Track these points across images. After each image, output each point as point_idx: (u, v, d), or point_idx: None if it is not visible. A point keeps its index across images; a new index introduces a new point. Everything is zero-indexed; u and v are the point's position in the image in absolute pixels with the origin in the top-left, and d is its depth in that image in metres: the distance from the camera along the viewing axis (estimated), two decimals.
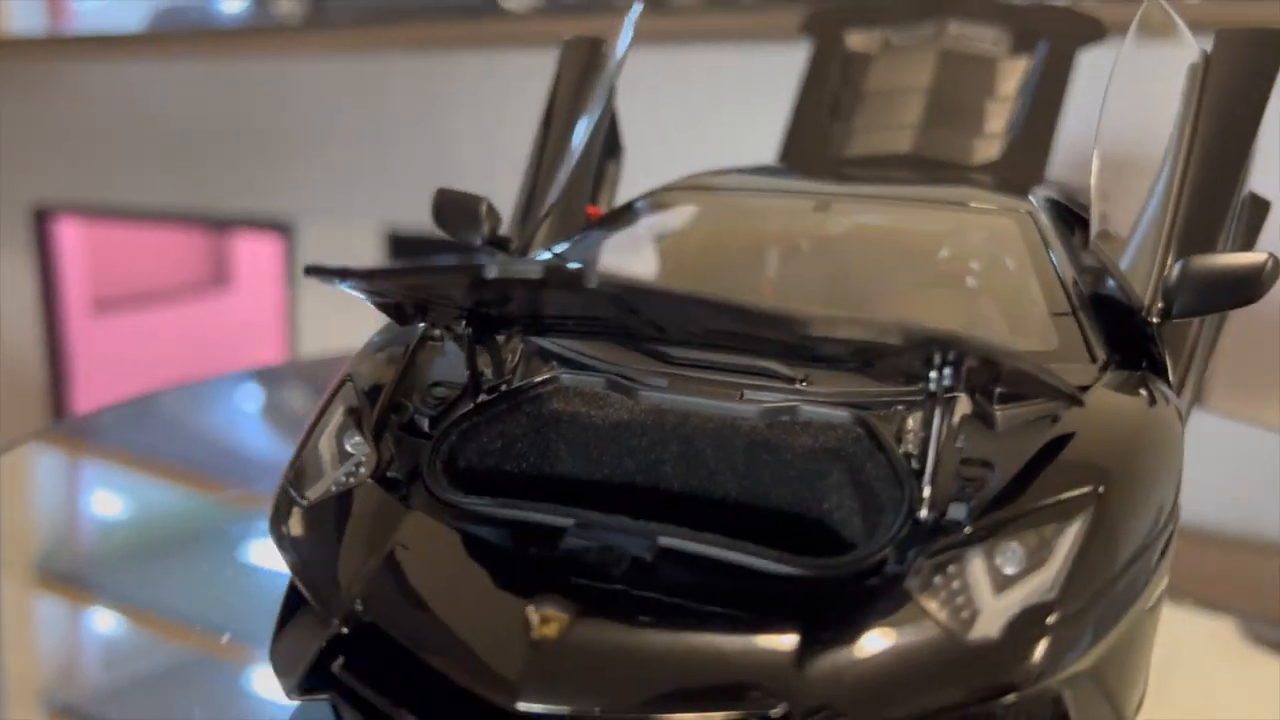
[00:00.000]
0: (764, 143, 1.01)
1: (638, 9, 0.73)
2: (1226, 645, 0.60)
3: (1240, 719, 0.52)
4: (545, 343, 0.54)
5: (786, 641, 0.37)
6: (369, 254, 2.53)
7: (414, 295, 0.45)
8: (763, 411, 0.47)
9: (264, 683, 0.50)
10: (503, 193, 2.66)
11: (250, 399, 1.18)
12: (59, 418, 2.81)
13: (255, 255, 3.22)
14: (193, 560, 0.71)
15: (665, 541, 0.41)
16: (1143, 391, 0.47)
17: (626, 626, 0.39)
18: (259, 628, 0.49)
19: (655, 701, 0.37)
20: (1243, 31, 0.57)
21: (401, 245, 2.51)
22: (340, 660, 0.44)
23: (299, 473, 0.49)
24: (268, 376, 1.28)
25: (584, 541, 0.41)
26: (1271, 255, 0.48)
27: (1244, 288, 0.48)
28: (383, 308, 0.50)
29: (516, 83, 2.31)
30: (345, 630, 0.42)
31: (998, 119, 0.85)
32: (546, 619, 0.38)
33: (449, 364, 0.53)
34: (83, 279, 2.91)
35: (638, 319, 0.44)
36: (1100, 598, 0.38)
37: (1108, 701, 0.39)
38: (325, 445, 0.49)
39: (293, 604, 0.49)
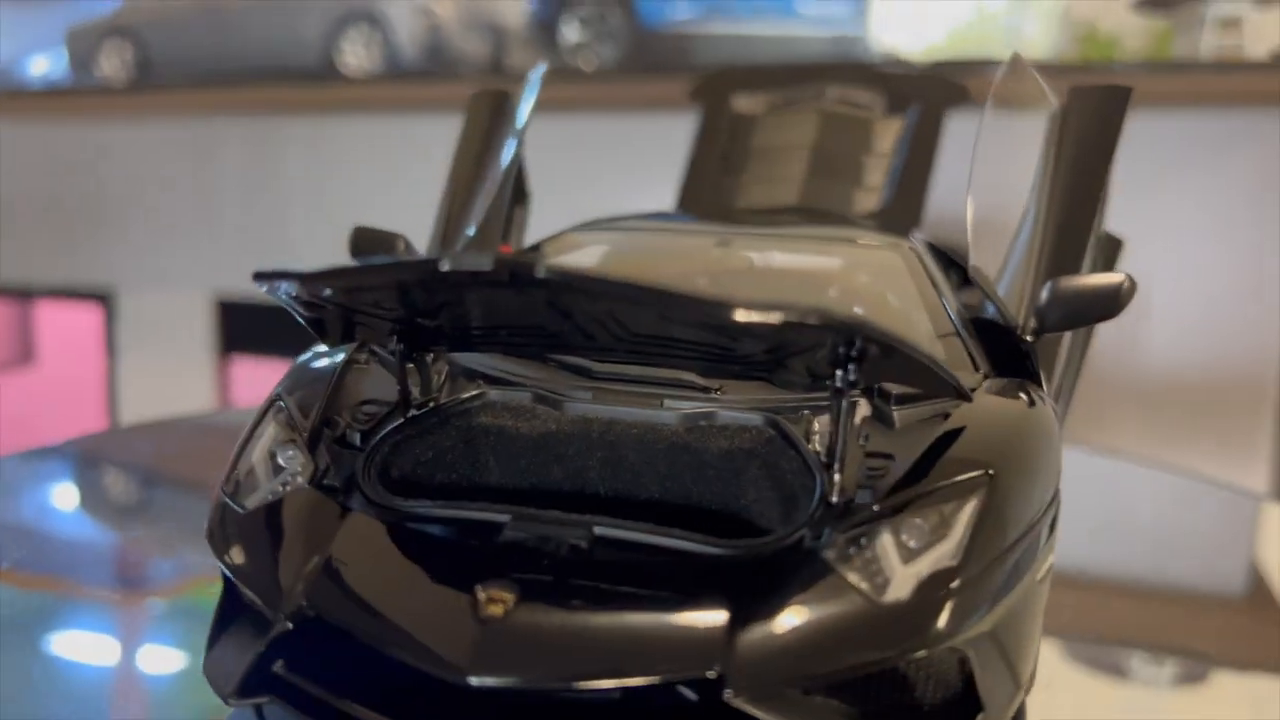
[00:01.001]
0: (656, 201, 1.05)
1: (542, 68, 0.76)
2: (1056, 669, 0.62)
3: None
4: (470, 362, 0.56)
5: (717, 614, 0.39)
6: (197, 322, 2.45)
7: (353, 300, 0.46)
8: (682, 417, 0.50)
9: None
10: (341, 258, 2.60)
11: (52, 477, 1.01)
12: None
13: (66, 327, 3.06)
14: None
15: (600, 531, 0.43)
16: (1022, 395, 0.52)
17: (569, 605, 0.41)
18: None
19: (600, 670, 0.39)
20: (1093, 88, 0.65)
21: (231, 312, 2.45)
22: (281, 662, 0.44)
23: (236, 485, 0.49)
24: (70, 453, 1.09)
25: (523, 533, 0.43)
26: (1128, 276, 0.55)
27: (1106, 304, 0.54)
28: (312, 324, 0.50)
29: (353, 148, 2.31)
30: (290, 627, 0.42)
31: (876, 173, 0.92)
32: (494, 599, 0.40)
33: (375, 384, 0.54)
34: None
35: (570, 322, 0.46)
36: (996, 567, 0.42)
37: (1005, 663, 0.43)
38: (259, 459, 0.50)
39: (226, 615, 0.49)
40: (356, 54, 2.08)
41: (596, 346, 0.51)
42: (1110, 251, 0.75)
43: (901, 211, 0.89)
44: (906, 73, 0.99)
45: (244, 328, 2.44)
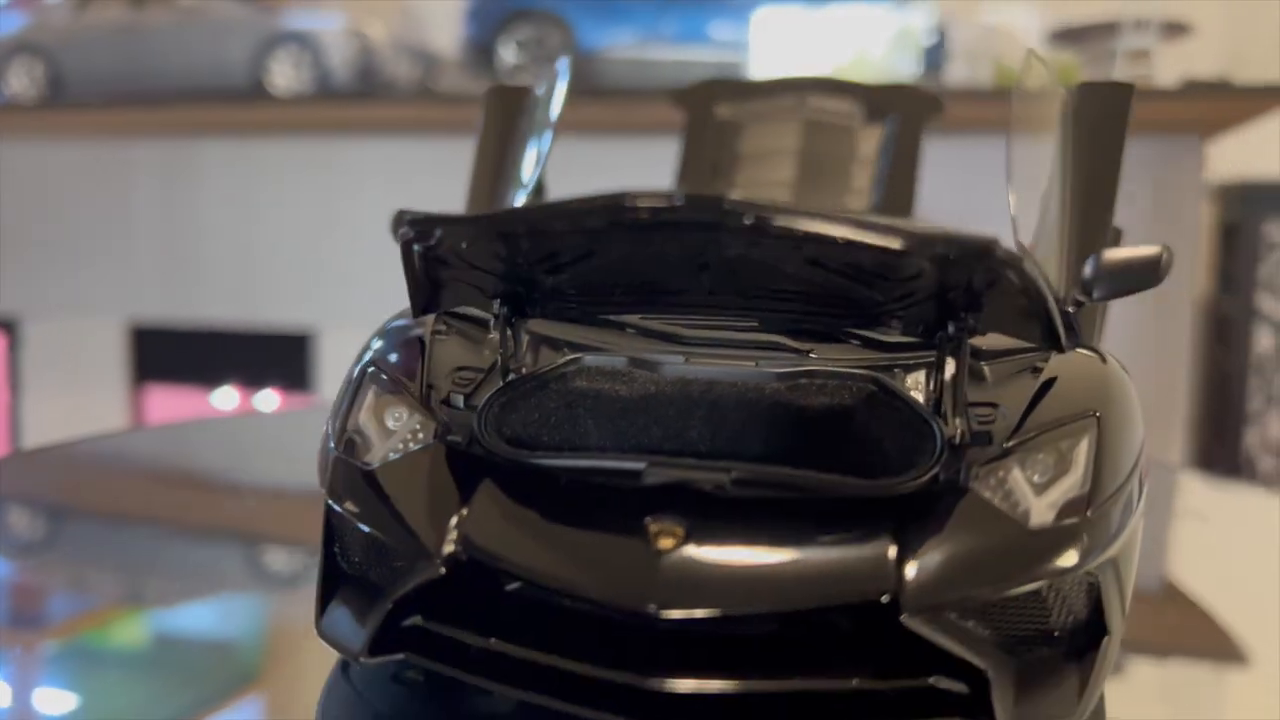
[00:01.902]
0: None
1: (566, 60, 0.77)
2: None
3: None
4: (552, 332, 0.56)
5: (881, 542, 0.41)
6: (110, 348, 2.36)
7: (500, 250, 0.47)
8: (781, 375, 0.52)
9: None
10: (262, 281, 2.56)
11: None
12: None
13: None
14: None
15: (738, 474, 0.45)
16: (1093, 353, 0.56)
17: (737, 538, 0.42)
18: None
19: (780, 596, 0.40)
20: (1099, 84, 0.70)
21: (146, 339, 2.37)
22: (418, 617, 0.44)
23: (349, 445, 0.49)
24: None
25: (664, 477, 0.44)
26: (1166, 247, 0.59)
27: (1148, 273, 0.58)
28: (419, 285, 0.51)
29: (279, 171, 2.27)
30: (443, 572, 0.43)
31: (862, 176, 0.95)
32: (666, 532, 0.41)
33: (461, 353, 0.55)
34: None
35: (700, 274, 0.48)
36: (1115, 500, 0.45)
37: (1121, 592, 0.46)
38: (366, 420, 0.50)
39: (336, 576, 0.49)
40: (285, 75, 2.05)
41: (710, 303, 0.52)
42: (1115, 239, 0.80)
43: (892, 213, 0.93)
44: (882, 84, 1.03)
45: (159, 355, 2.37)
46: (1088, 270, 0.61)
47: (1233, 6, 1.79)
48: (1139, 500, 0.48)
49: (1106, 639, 0.44)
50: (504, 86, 0.82)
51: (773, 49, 1.87)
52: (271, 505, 0.82)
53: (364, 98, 2.03)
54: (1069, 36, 1.86)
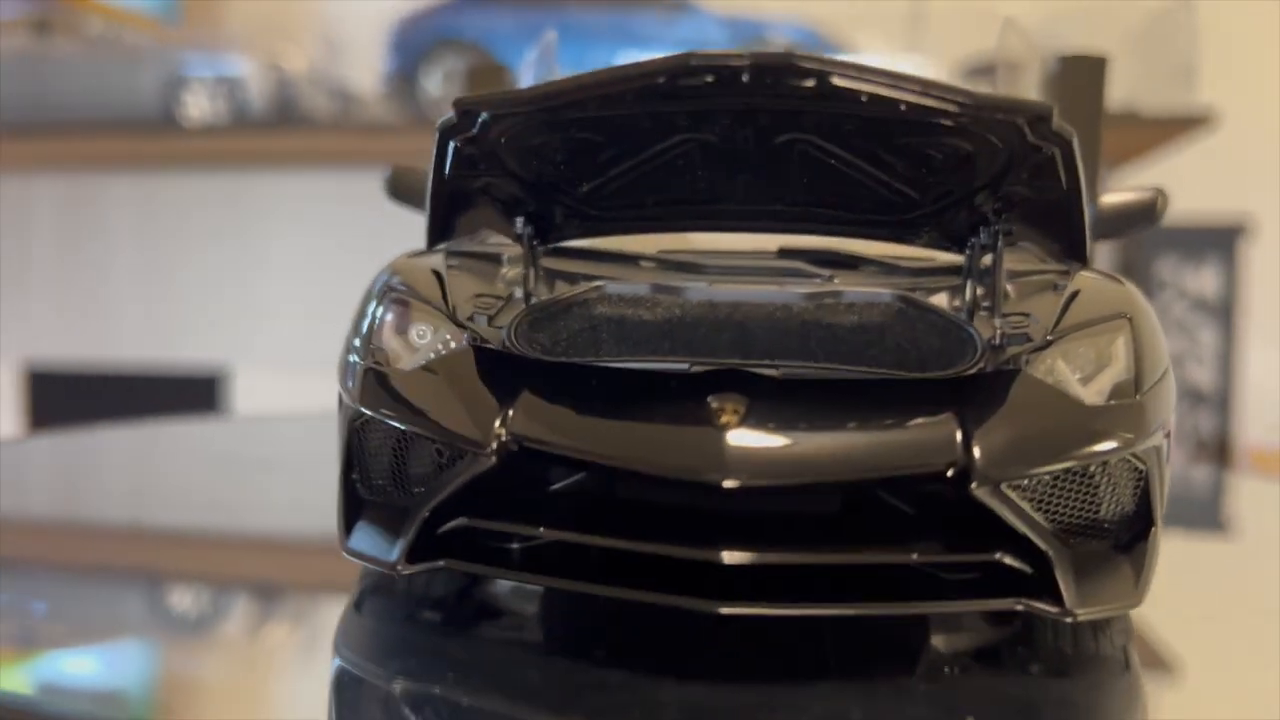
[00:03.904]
0: None
1: (553, 33, 0.77)
2: None
3: None
4: (568, 267, 0.55)
5: (946, 420, 0.41)
6: (3, 394, 2.24)
7: (540, 133, 0.45)
8: (808, 295, 0.51)
9: None
10: (170, 320, 2.48)
11: None
12: None
13: None
14: None
15: (785, 371, 0.44)
16: (1107, 275, 0.57)
17: (802, 412, 0.41)
18: None
19: (851, 466, 0.40)
20: (1075, 58, 0.73)
21: (43, 383, 2.26)
22: (460, 519, 0.43)
23: (376, 353, 0.48)
24: None
25: (712, 368, 0.44)
26: (1160, 189, 0.61)
27: (1146, 215, 0.61)
28: (443, 195, 0.50)
29: (188, 204, 2.20)
30: (494, 463, 0.41)
31: None
32: (728, 408, 0.40)
33: (477, 281, 0.54)
34: None
35: (743, 177, 0.47)
36: (1157, 390, 0.46)
37: (1162, 485, 0.46)
38: (389, 337, 0.49)
39: (355, 501, 0.48)
40: (200, 106, 2.01)
41: (744, 212, 0.52)
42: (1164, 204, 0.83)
43: None
44: None
45: (57, 400, 2.26)
46: (1089, 216, 0.62)
47: (1139, 39, 1.88)
48: (1173, 404, 0.49)
49: (1154, 530, 0.44)
50: (485, 67, 0.81)
51: None
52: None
53: (279, 127, 1.99)
54: (980, 72, 1.93)
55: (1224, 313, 2.11)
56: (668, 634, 0.43)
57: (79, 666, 0.49)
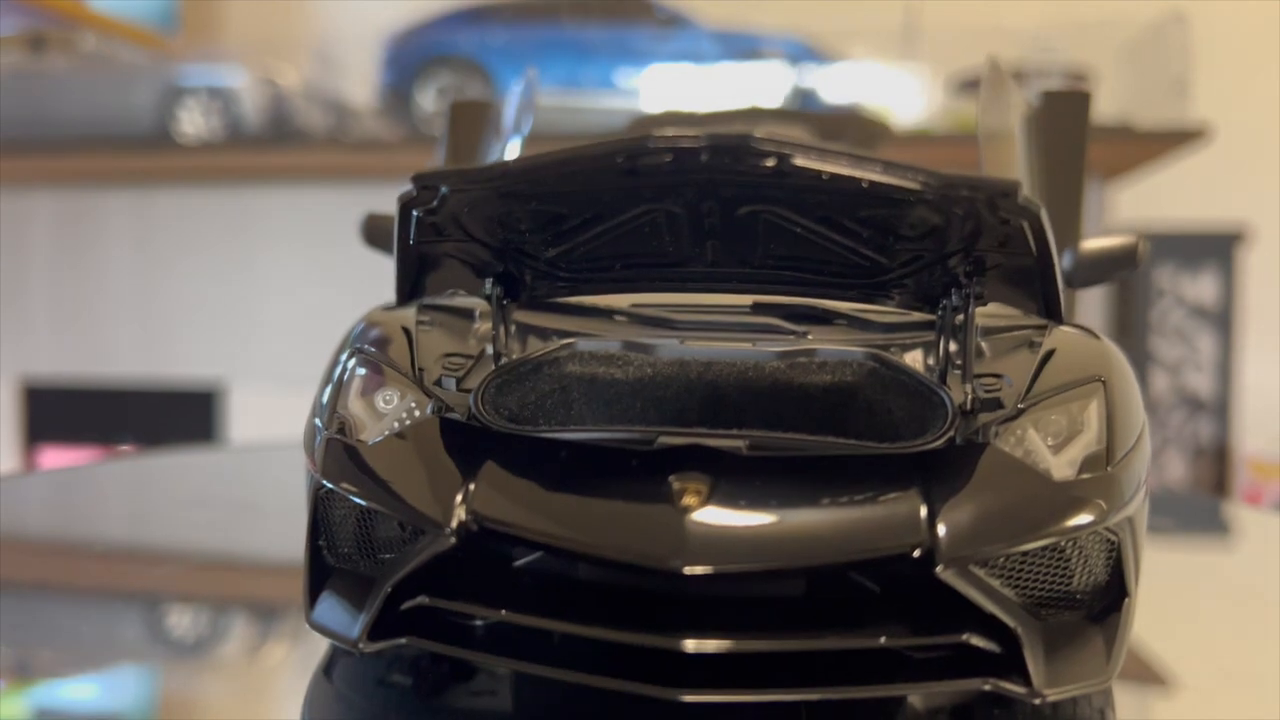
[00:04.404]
0: None
1: (534, 71, 0.77)
2: None
3: None
4: (540, 321, 0.55)
5: (911, 498, 0.41)
6: (1, 408, 2.24)
7: (494, 210, 0.45)
8: (780, 354, 0.51)
9: None
10: (166, 335, 2.48)
11: None
12: None
13: None
14: None
15: (754, 441, 0.44)
16: (1083, 331, 0.57)
17: (766, 492, 0.41)
18: None
19: (813, 551, 0.39)
20: (1059, 93, 0.73)
21: (40, 399, 2.26)
22: (421, 598, 0.43)
23: (342, 426, 0.48)
24: None
25: (679, 441, 0.43)
26: (1141, 235, 0.61)
27: (1126, 260, 0.60)
28: (409, 260, 0.50)
29: (184, 219, 2.20)
30: (454, 543, 0.41)
31: None
32: (689, 490, 0.40)
33: (446, 340, 0.53)
34: None
35: (710, 243, 0.47)
36: (1131, 458, 0.45)
37: (1136, 554, 0.46)
38: (356, 405, 0.49)
39: (321, 569, 0.47)
40: (195, 123, 2.01)
41: (711, 276, 0.51)
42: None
43: None
44: (829, 113, 1.06)
45: (54, 414, 2.26)
46: (1066, 261, 0.62)
47: (1132, 53, 1.88)
48: (1148, 465, 0.48)
49: (1127, 601, 0.44)
50: (467, 101, 0.81)
51: (667, 100, 1.91)
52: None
53: (275, 143, 1.99)
54: (973, 85, 1.93)
55: (1222, 320, 2.11)
56: (640, 711, 0.43)
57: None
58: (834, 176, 0.40)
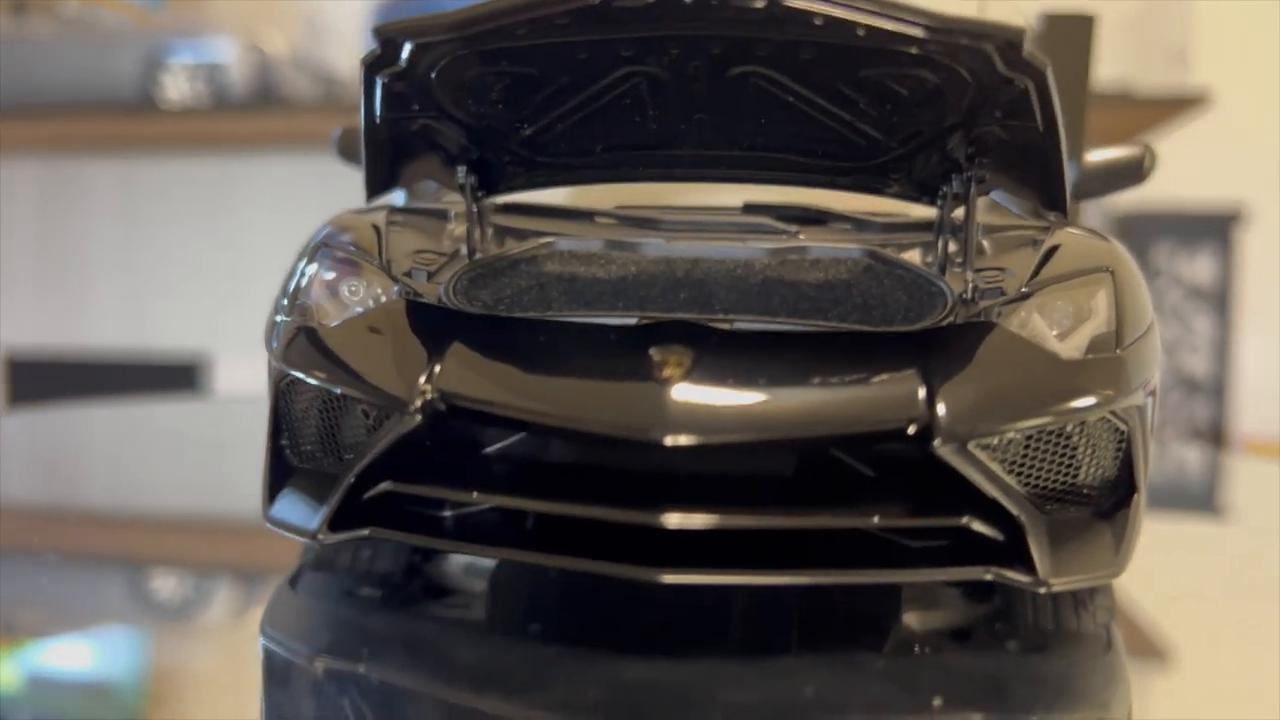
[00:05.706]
0: None
1: None
2: None
3: None
4: (520, 223, 0.53)
5: (909, 375, 0.38)
6: None
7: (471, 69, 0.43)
8: (771, 251, 0.48)
9: None
10: (150, 306, 2.43)
11: None
12: None
13: None
14: None
15: (740, 324, 0.41)
16: (1088, 231, 0.54)
17: (753, 365, 0.39)
18: None
19: (802, 422, 0.37)
20: (1063, 16, 0.71)
21: (22, 370, 2.22)
22: (385, 484, 0.40)
23: (303, 310, 0.45)
24: None
25: (661, 317, 0.41)
26: (1148, 146, 0.59)
27: (1133, 172, 0.58)
28: (376, 137, 0.47)
29: (168, 187, 2.17)
30: (419, 421, 0.39)
31: None
32: (670, 361, 0.37)
33: (419, 238, 0.51)
34: None
35: (698, 120, 0.44)
36: (1140, 345, 0.43)
37: (1145, 448, 0.44)
38: (319, 292, 0.47)
39: (282, 469, 0.45)
40: (179, 88, 1.97)
41: (700, 160, 0.49)
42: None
43: None
44: None
45: (37, 386, 2.22)
46: (1071, 174, 0.60)
47: (1133, 19, 1.85)
48: (1158, 357, 0.46)
49: (1136, 496, 0.41)
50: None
51: None
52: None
53: (260, 108, 1.96)
54: None
55: (1220, 300, 2.08)
56: (618, 607, 0.40)
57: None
58: (827, 20, 0.37)
